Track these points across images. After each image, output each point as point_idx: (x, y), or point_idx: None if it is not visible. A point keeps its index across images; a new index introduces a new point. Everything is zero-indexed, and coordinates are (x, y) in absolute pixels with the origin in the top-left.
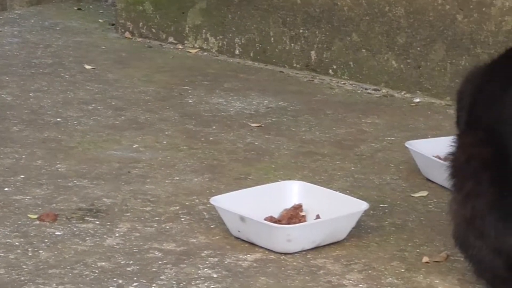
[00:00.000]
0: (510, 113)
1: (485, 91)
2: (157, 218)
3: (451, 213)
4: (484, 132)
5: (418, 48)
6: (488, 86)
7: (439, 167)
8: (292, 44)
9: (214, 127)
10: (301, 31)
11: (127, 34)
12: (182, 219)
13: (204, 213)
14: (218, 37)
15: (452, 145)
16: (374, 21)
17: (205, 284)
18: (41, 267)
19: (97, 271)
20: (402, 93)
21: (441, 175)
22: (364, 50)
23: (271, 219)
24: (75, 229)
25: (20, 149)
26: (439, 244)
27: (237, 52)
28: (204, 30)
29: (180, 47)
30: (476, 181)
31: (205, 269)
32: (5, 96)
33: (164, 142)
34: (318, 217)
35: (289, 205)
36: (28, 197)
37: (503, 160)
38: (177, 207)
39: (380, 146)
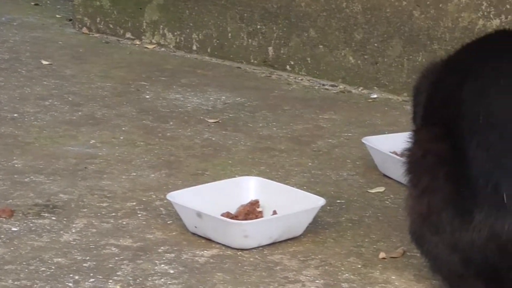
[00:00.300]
0: (466, 109)
1: (441, 86)
2: (113, 214)
3: (407, 209)
4: (440, 128)
5: (375, 44)
6: (445, 82)
7: (395, 163)
8: (250, 40)
9: (171, 123)
10: (258, 27)
11: (84, 29)
12: (139, 215)
13: (161, 209)
14: (175, 33)
15: (408, 141)
16: (331, 17)
17: (162, 280)
18: None
19: (53, 267)
20: (359, 89)
21: (398, 171)
22: (321, 46)
23: (228, 215)
24: (31, 225)
25: None
26: (396, 240)
27: (194, 47)
28: (161, 26)
29: (138, 42)
30: (432, 176)
31: (162, 265)
32: None
33: (121, 137)
34: (275, 213)
35: (246, 201)
36: None
37: (459, 155)
38: (134, 203)
39: (337, 142)
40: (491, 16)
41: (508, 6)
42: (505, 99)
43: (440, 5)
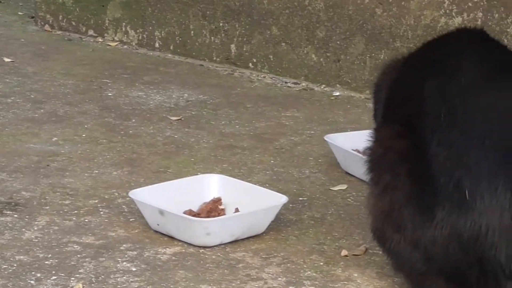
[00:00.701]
0: (427, 106)
1: (402, 84)
2: (76, 211)
3: (369, 207)
4: (401, 125)
5: (338, 42)
6: (405, 80)
7: (358, 161)
8: (212, 38)
9: (133, 120)
10: (221, 24)
11: (46, 27)
12: (101, 213)
13: (123, 206)
14: (138, 30)
15: (369, 139)
16: (293, 14)
17: (124, 277)
18: None
19: (15, 265)
20: (322, 87)
21: (360, 169)
22: (283, 44)
23: (190, 212)
24: None
25: None
26: (358, 237)
27: (157, 45)
28: (124, 23)
29: (100, 40)
30: (393, 174)
31: (124, 263)
32: None
33: (83, 135)
34: (237, 210)
35: (208, 198)
36: None
37: (421, 153)
38: (96, 201)
39: (300, 139)
40: (453, 14)
41: (470, 4)
42: (466, 97)
43: (403, 3)
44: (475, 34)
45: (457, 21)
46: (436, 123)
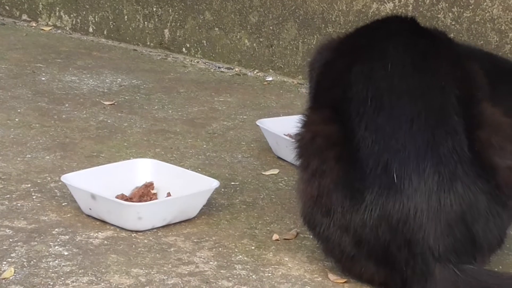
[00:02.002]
0: (354, 91)
1: (332, 67)
2: (8, 195)
3: (299, 192)
4: (329, 110)
5: (271, 27)
6: (335, 63)
7: (289, 146)
8: (146, 22)
9: (66, 105)
10: (154, 9)
11: None
12: (34, 197)
13: (56, 190)
14: (71, 15)
15: (298, 124)
16: None
17: (56, 261)
18: None
19: None
20: (255, 72)
21: (292, 153)
22: (217, 29)
23: (122, 197)
24: None
25: None
26: (289, 222)
27: (90, 30)
28: (57, 8)
29: (34, 24)
30: (321, 159)
31: (56, 247)
32: None
33: (16, 119)
34: (169, 194)
35: (141, 183)
36: None
37: (349, 138)
38: (29, 185)
39: (232, 124)
40: None
41: None
42: (392, 82)
43: None
44: (404, 22)
45: (388, 7)
46: (363, 108)
